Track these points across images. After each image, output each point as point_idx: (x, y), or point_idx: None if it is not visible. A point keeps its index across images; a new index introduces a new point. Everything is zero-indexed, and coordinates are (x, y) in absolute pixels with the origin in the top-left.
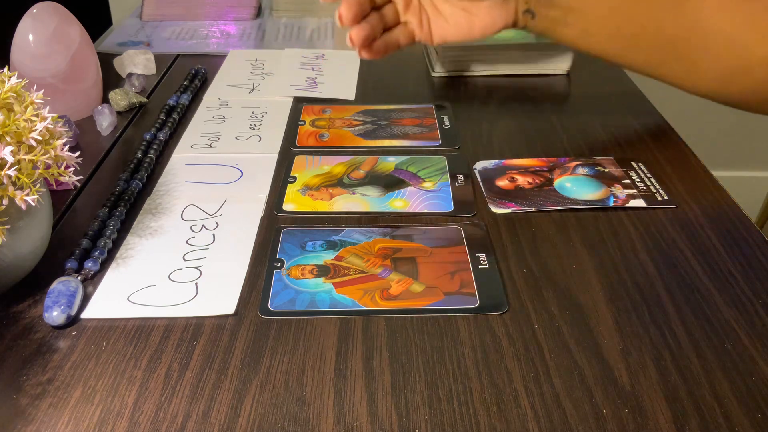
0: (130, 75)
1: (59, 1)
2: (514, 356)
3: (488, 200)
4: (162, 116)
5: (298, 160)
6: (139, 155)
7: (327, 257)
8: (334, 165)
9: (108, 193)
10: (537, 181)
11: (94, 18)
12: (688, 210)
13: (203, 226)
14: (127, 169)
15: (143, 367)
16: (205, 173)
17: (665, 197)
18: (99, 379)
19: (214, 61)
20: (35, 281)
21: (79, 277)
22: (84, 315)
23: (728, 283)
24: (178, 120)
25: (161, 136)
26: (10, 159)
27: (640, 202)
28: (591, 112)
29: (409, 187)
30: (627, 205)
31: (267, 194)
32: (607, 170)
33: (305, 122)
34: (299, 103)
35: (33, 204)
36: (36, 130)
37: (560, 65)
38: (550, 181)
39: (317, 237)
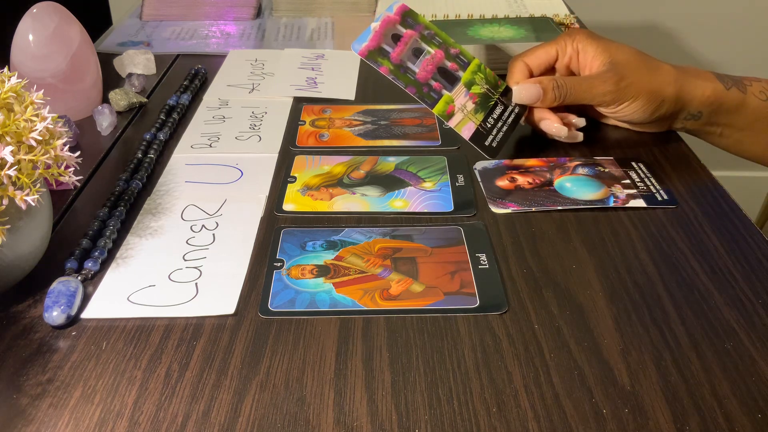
0: (130, 75)
1: (59, 1)
2: (514, 356)
3: (488, 200)
4: (162, 116)
5: (298, 160)
6: (139, 155)
7: (327, 257)
8: (334, 165)
9: (108, 193)
10: (537, 181)
11: (94, 18)
12: (688, 210)
13: (203, 226)
14: (127, 169)
15: (143, 367)
16: (205, 173)
17: (665, 197)
18: (99, 379)
19: (214, 61)
20: (35, 281)
21: (79, 277)
22: (84, 315)
23: (728, 283)
24: (178, 120)
25: (161, 136)
26: (10, 159)
27: (640, 202)
28: None
29: (409, 187)
30: (627, 205)
31: (267, 194)
32: (607, 170)
33: (305, 122)
34: (299, 103)
35: (33, 204)
36: (36, 130)
37: None
38: (550, 181)
39: (317, 237)
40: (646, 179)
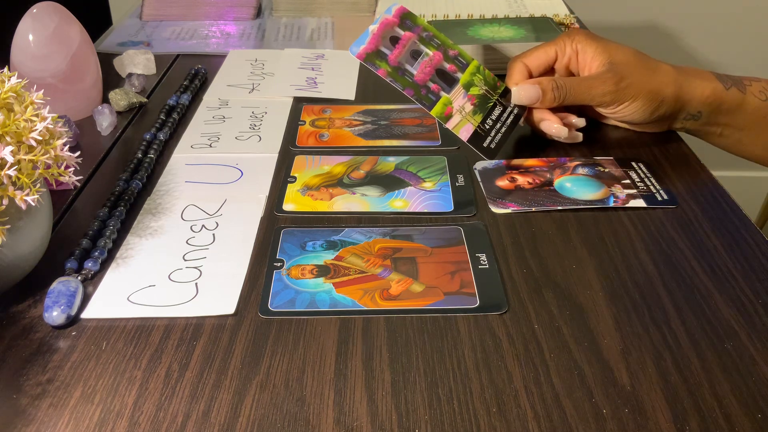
0: (130, 75)
1: (59, 1)
2: (514, 356)
3: (488, 200)
4: (162, 116)
5: (298, 160)
6: (139, 155)
7: (327, 257)
8: (334, 165)
9: (108, 193)
10: (537, 181)
11: (94, 18)
12: (688, 210)
13: (203, 226)
14: (127, 169)
15: (143, 367)
16: (205, 173)
17: (665, 197)
18: (99, 379)
19: (214, 61)
20: (35, 281)
21: (79, 277)
22: (84, 315)
23: (728, 283)
24: (178, 120)
25: (161, 136)
26: (10, 159)
27: (640, 202)
28: None
29: (409, 187)
30: (627, 205)
31: (267, 194)
32: (607, 170)
33: (305, 122)
34: (299, 103)
35: (33, 204)
36: (36, 130)
37: None
38: (550, 181)
39: (317, 237)
40: (646, 179)
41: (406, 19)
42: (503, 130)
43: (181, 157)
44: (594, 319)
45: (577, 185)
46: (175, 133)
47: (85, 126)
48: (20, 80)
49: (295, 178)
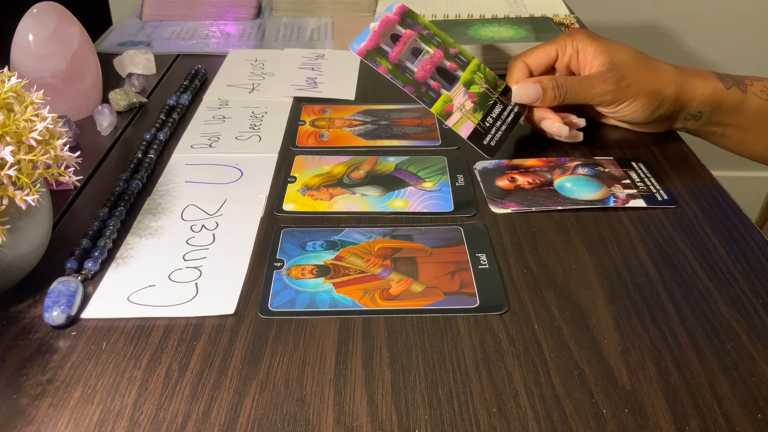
0: (130, 75)
1: (59, 1)
2: (514, 356)
3: (488, 200)
4: (162, 116)
5: (298, 160)
6: (139, 155)
7: (327, 257)
8: (334, 165)
9: (108, 193)
10: (537, 181)
11: (94, 18)
12: (688, 210)
13: (203, 226)
14: (127, 169)
15: (143, 367)
16: (205, 173)
17: (665, 197)
18: (99, 379)
19: (214, 61)
20: (35, 281)
21: (79, 277)
22: (84, 315)
23: (728, 283)
24: (178, 120)
25: (161, 136)
26: (10, 159)
27: (640, 202)
28: None
29: (409, 187)
30: (627, 205)
31: (267, 194)
32: (607, 170)
33: (305, 122)
34: (299, 103)
35: (33, 204)
36: (36, 130)
37: None
38: (550, 181)
39: (317, 237)
40: (646, 179)
41: (407, 17)
42: (503, 128)
43: (181, 157)
44: (594, 319)
45: (577, 185)
46: (175, 133)
47: (85, 126)
48: (20, 80)
49: (295, 178)
